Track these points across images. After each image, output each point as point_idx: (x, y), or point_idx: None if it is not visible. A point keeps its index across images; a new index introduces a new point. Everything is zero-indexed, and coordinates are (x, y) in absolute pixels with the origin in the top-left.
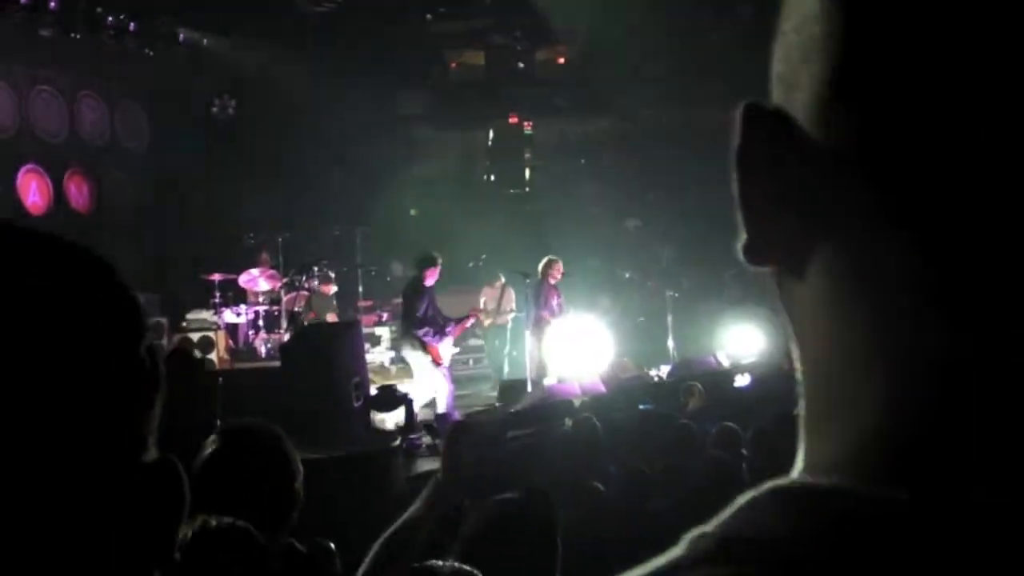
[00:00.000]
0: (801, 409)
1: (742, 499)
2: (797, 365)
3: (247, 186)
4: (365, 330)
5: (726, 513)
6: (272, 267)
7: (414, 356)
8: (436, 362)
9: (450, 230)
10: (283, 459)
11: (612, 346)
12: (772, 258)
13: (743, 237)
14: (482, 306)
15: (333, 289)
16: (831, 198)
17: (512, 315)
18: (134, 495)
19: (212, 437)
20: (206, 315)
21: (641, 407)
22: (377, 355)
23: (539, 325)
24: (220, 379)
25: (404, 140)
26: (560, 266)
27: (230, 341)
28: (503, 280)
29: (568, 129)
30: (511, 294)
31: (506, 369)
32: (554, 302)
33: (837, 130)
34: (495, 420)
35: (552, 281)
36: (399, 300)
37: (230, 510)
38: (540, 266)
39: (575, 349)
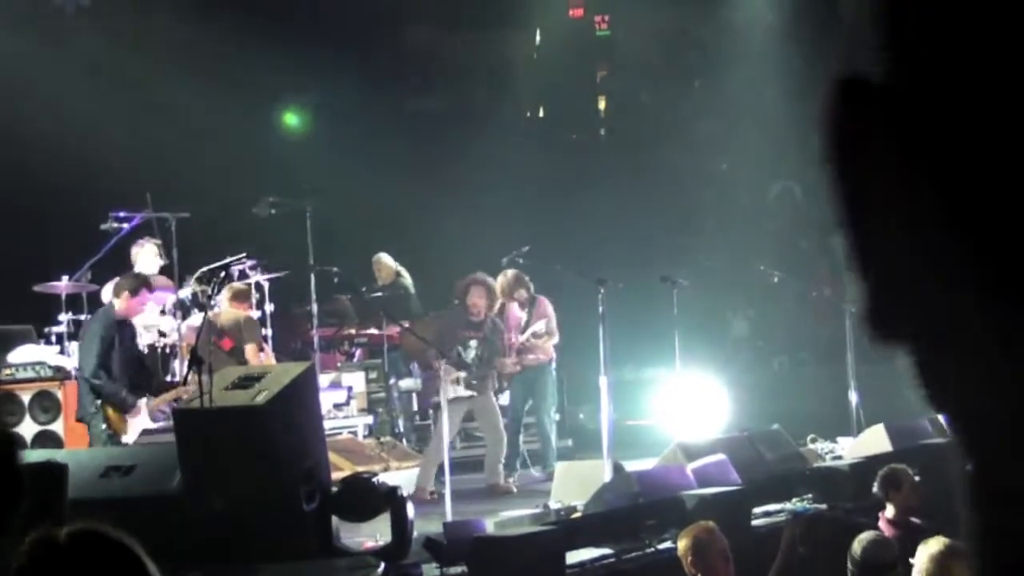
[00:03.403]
0: None
1: None
2: None
3: (113, 125)
4: (325, 377)
5: None
6: (161, 268)
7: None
8: None
9: (467, 202)
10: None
11: (739, 403)
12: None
13: (863, 298)
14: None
15: (268, 308)
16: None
17: (550, 344)
18: None
19: (23, 548)
20: (45, 354)
21: (801, 508)
22: (344, 420)
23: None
24: (67, 468)
25: (391, 48)
26: (481, 292)
27: None
28: (529, 289)
29: (670, 27)
30: (547, 310)
31: (553, 441)
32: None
33: None
34: (546, 535)
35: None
36: (395, 328)
37: None
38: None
39: (685, 409)
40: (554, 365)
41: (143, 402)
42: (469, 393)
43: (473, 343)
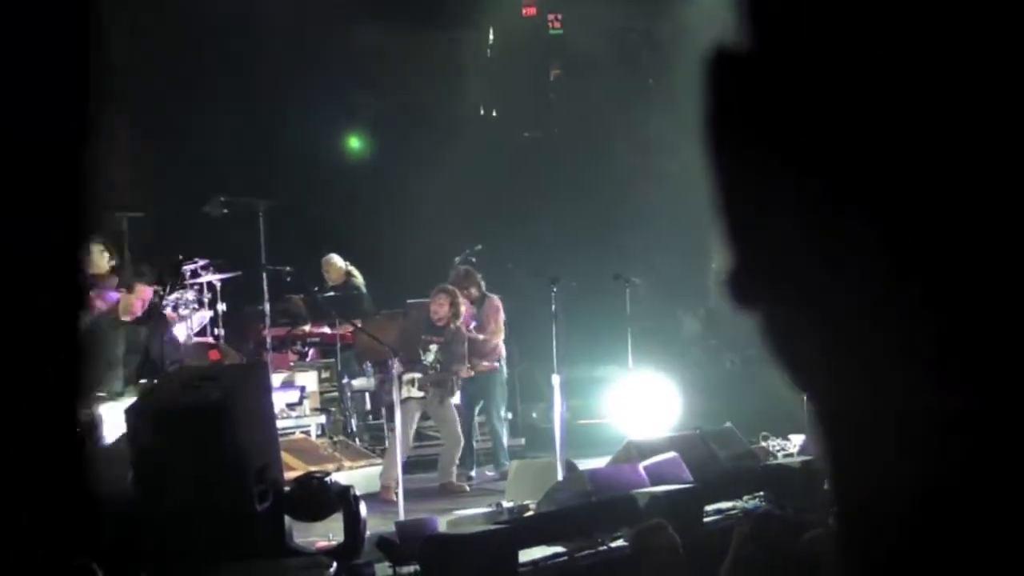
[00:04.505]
0: None
1: None
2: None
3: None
4: (277, 376)
5: None
6: (112, 269)
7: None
8: None
9: (420, 201)
10: None
11: (691, 401)
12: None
13: (727, 261)
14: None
15: (220, 307)
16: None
17: (497, 339)
18: None
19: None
20: None
21: (752, 505)
22: (297, 420)
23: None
24: None
25: (340, 49)
26: (442, 300)
27: None
28: (480, 287)
29: (623, 26)
30: (497, 312)
31: (504, 440)
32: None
33: None
34: (499, 533)
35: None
36: (347, 328)
37: None
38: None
39: (637, 408)
40: (504, 366)
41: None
42: (421, 394)
43: (433, 347)
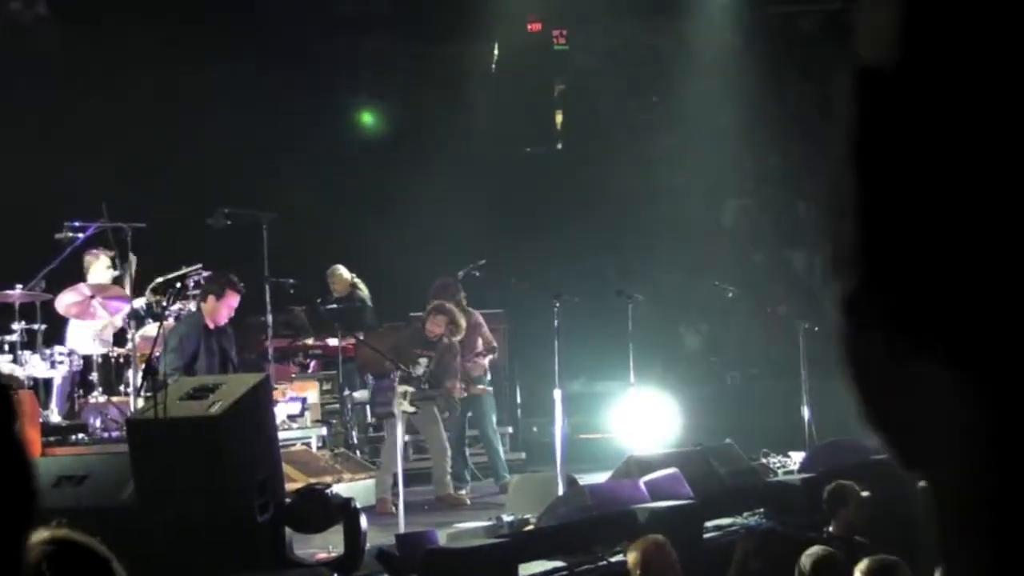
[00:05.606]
0: None
1: None
2: None
3: (70, 133)
4: (280, 387)
5: None
6: (115, 278)
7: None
8: None
9: (424, 214)
10: None
11: (692, 417)
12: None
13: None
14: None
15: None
16: None
17: (486, 361)
18: None
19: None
20: None
21: (752, 522)
22: (298, 431)
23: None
24: None
25: (345, 62)
26: (439, 321)
27: (40, 409)
28: (460, 304)
29: (629, 42)
30: (479, 328)
31: (501, 453)
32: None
33: None
34: (499, 547)
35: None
36: (350, 340)
37: None
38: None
39: (638, 423)
40: (488, 376)
41: None
42: (412, 409)
43: (423, 360)
